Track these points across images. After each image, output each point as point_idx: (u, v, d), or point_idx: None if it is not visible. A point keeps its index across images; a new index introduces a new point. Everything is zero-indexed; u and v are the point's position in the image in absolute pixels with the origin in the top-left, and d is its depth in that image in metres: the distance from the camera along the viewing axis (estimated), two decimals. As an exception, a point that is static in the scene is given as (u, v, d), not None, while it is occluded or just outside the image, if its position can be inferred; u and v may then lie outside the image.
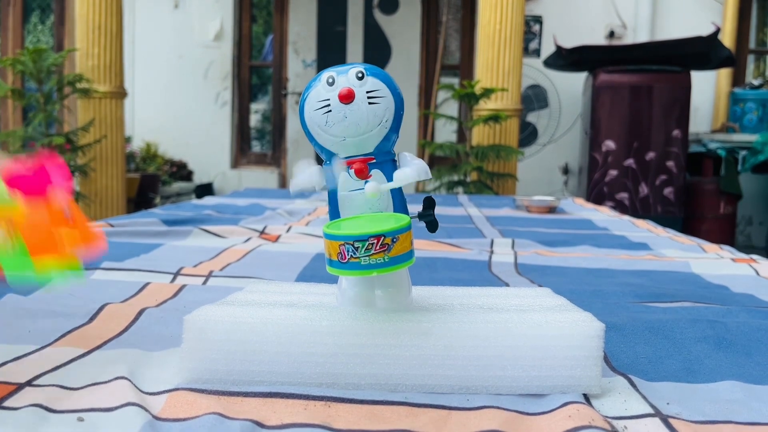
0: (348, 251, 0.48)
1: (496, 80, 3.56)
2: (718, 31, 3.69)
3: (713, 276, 1.05)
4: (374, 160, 0.53)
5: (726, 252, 1.28)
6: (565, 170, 4.80)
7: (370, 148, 0.53)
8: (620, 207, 3.83)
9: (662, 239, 1.48)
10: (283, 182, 5.02)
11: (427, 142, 3.84)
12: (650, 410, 0.49)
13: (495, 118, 3.47)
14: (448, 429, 0.45)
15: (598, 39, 4.66)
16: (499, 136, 3.63)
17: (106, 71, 3.61)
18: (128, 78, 4.50)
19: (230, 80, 4.99)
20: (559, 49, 3.92)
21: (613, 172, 3.88)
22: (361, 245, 0.48)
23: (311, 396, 0.49)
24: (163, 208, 1.82)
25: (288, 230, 1.42)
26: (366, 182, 0.53)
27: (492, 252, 1.24)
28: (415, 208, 0.54)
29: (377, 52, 4.96)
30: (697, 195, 4.03)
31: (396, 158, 0.55)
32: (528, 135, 4.78)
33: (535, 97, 4.76)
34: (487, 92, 3.48)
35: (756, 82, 4.53)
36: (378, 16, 4.97)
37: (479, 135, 3.66)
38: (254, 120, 5.31)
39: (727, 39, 4.48)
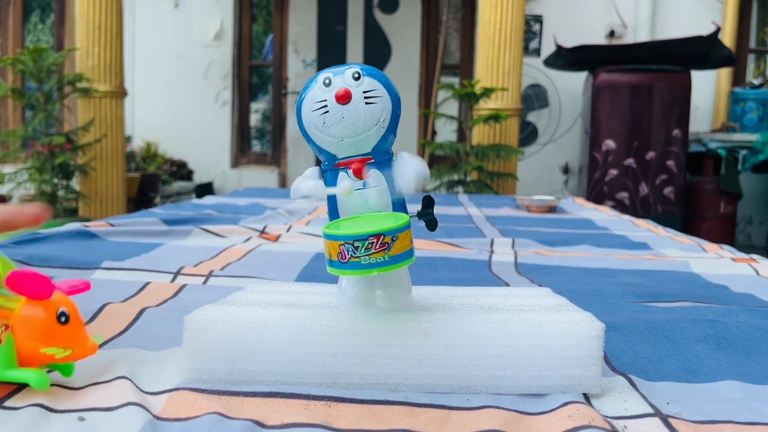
0: (348, 251, 0.48)
1: (496, 80, 3.56)
2: (718, 30, 3.69)
3: (713, 276, 1.05)
4: (372, 160, 0.53)
5: (726, 252, 1.28)
6: (565, 170, 4.80)
7: (367, 148, 0.53)
8: (620, 206, 3.83)
9: (662, 239, 1.48)
10: (283, 182, 5.02)
11: (427, 142, 3.84)
12: (650, 410, 0.49)
13: (495, 117, 3.47)
14: (448, 429, 0.45)
15: (599, 38, 4.66)
16: (500, 136, 3.63)
17: (107, 71, 3.61)
18: (128, 77, 4.50)
19: (230, 80, 4.99)
20: (559, 48, 3.92)
21: (614, 172, 3.88)
22: (360, 245, 0.48)
23: (312, 396, 0.49)
24: (163, 208, 1.82)
25: (288, 230, 1.42)
26: (365, 183, 0.53)
27: (492, 251, 1.24)
28: (415, 207, 0.54)
29: (377, 52, 4.96)
30: (698, 194, 4.03)
31: (394, 158, 0.55)
32: (528, 134, 4.78)
33: (535, 97, 4.76)
34: (487, 92, 3.48)
35: (756, 82, 4.53)
36: (378, 15, 4.97)
37: (479, 134, 3.66)
38: (254, 119, 5.31)
39: (728, 38, 4.48)
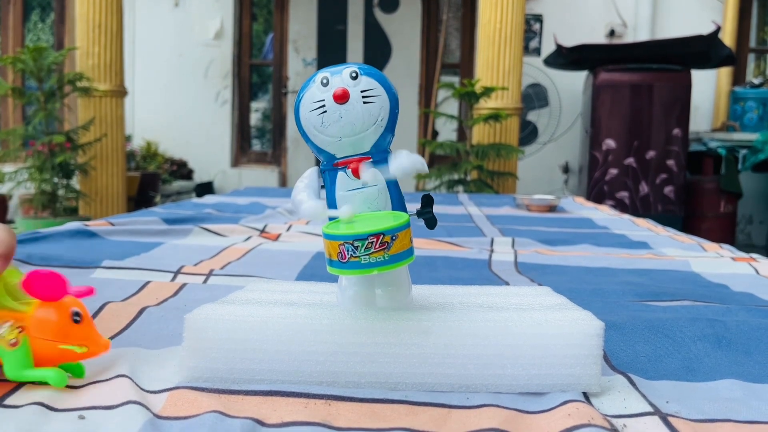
0: (348, 250, 0.48)
1: (496, 79, 3.56)
2: (718, 29, 3.69)
3: (713, 275, 1.05)
4: (371, 160, 0.53)
5: (726, 251, 1.28)
6: (566, 169, 4.80)
7: (366, 148, 0.53)
8: (620, 206, 3.83)
9: (662, 238, 1.48)
10: (284, 181, 5.02)
11: (427, 141, 3.84)
12: (650, 409, 0.49)
13: (495, 116, 3.47)
14: (447, 427, 0.45)
15: (599, 38, 4.66)
16: (500, 135, 3.63)
17: (107, 70, 3.61)
18: (128, 77, 4.50)
19: (230, 79, 4.99)
20: (559, 47, 3.92)
21: (614, 171, 3.88)
22: (360, 244, 0.48)
23: (311, 394, 0.49)
24: (164, 207, 1.82)
25: (288, 229, 1.42)
26: (364, 182, 0.53)
27: (492, 251, 1.24)
28: (414, 206, 0.54)
29: (377, 51, 4.96)
30: (698, 194, 4.03)
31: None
32: (528, 134, 4.78)
33: (535, 96, 4.76)
34: (488, 91, 3.48)
35: (756, 81, 4.52)
36: (378, 14, 4.97)
37: (479, 134, 3.66)
38: (254, 118, 5.31)
39: (728, 38, 4.48)
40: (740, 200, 4.23)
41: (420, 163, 0.53)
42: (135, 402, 0.46)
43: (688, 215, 4.00)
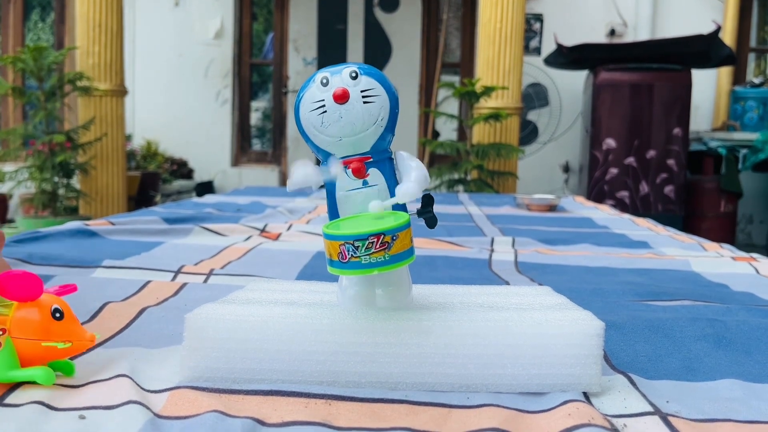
0: (348, 251, 0.48)
1: (496, 78, 3.56)
2: (718, 29, 3.69)
3: (713, 274, 1.05)
4: (371, 159, 0.53)
5: (726, 250, 1.28)
6: (566, 168, 4.80)
7: (366, 148, 0.53)
8: (621, 205, 3.83)
9: (662, 238, 1.48)
10: (284, 180, 5.02)
11: (427, 140, 3.84)
12: (650, 408, 0.49)
13: (495, 116, 3.47)
14: (448, 427, 0.45)
15: (599, 37, 4.66)
16: (500, 135, 3.63)
17: (107, 69, 3.61)
18: (129, 76, 4.49)
19: (231, 78, 4.99)
20: (559, 47, 3.92)
21: (614, 171, 3.88)
22: (361, 244, 0.48)
23: (312, 394, 0.49)
24: (164, 206, 1.82)
25: (288, 228, 1.42)
26: (364, 182, 0.53)
27: (492, 250, 1.24)
28: (414, 205, 0.54)
29: (378, 50, 4.96)
30: (698, 193, 4.03)
31: (393, 156, 0.55)
32: (528, 133, 4.78)
33: (535, 96, 4.75)
34: (488, 90, 3.48)
35: (757, 81, 4.52)
36: (378, 14, 4.97)
37: (480, 133, 3.66)
38: (255, 118, 5.31)
39: (728, 37, 4.48)
40: (740, 200, 4.23)
41: (425, 181, 0.53)
42: (135, 402, 0.46)
43: (688, 215, 4.00)
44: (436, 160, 4.75)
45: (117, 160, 3.71)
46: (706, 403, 0.51)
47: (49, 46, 3.57)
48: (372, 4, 4.95)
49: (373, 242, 0.48)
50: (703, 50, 3.77)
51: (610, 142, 3.88)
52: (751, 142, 4.12)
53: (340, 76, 0.52)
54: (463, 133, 4.51)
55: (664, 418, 0.47)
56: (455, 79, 5.00)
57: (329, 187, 0.54)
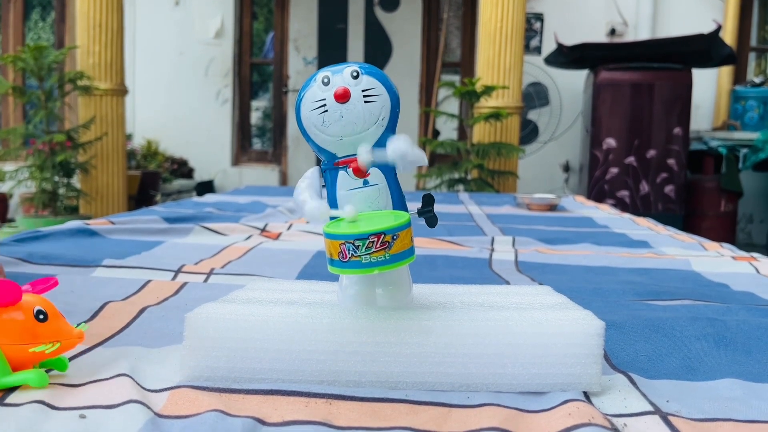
0: (349, 250, 0.48)
1: (497, 78, 3.56)
2: (719, 28, 3.69)
3: (713, 274, 1.05)
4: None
5: (726, 250, 1.28)
6: (566, 168, 4.80)
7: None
8: (621, 205, 3.83)
9: (663, 237, 1.48)
10: (284, 180, 5.02)
11: (428, 140, 3.84)
12: (650, 408, 0.49)
13: (496, 115, 3.47)
14: (448, 426, 0.45)
15: (600, 36, 4.65)
16: (500, 134, 3.63)
17: (107, 68, 3.61)
18: (129, 75, 4.49)
19: (231, 77, 4.99)
20: (560, 46, 3.92)
21: (614, 170, 3.88)
22: (361, 243, 0.48)
23: (312, 393, 0.49)
24: (164, 206, 1.82)
25: (289, 228, 1.42)
26: (365, 181, 0.53)
27: (492, 250, 1.24)
28: (415, 205, 0.55)
29: (378, 50, 4.96)
30: (698, 193, 4.02)
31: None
32: (529, 132, 4.78)
33: (536, 95, 4.75)
34: (488, 90, 3.48)
35: (757, 80, 4.52)
36: (379, 13, 4.97)
37: (480, 133, 3.66)
38: (255, 117, 5.31)
39: (729, 36, 4.47)
40: (741, 199, 4.23)
41: (419, 155, 0.52)
42: (136, 401, 0.46)
43: (688, 214, 4.00)
44: (436, 159, 4.75)
45: (117, 159, 3.71)
46: (706, 402, 0.51)
47: (50, 46, 3.57)
48: (372, 4, 4.95)
49: (373, 241, 0.48)
50: (703, 49, 3.77)
51: (610, 142, 3.87)
52: (751, 142, 4.12)
53: (341, 76, 0.52)
54: (463, 132, 4.51)
55: (665, 417, 0.47)
56: (455, 78, 5.00)
57: (330, 187, 0.54)
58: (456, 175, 3.71)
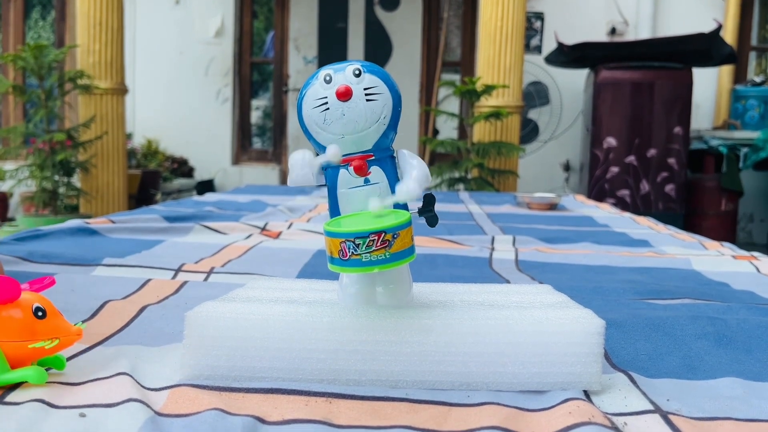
0: (349, 248, 0.48)
1: (497, 77, 3.56)
2: (719, 27, 3.69)
3: (714, 273, 1.05)
4: (373, 157, 0.53)
5: (727, 249, 1.28)
6: (566, 167, 4.79)
7: (368, 145, 0.53)
8: (621, 204, 3.82)
9: (663, 236, 1.48)
10: (284, 179, 5.02)
11: (428, 139, 3.84)
12: (650, 407, 0.49)
13: (496, 114, 3.47)
14: (448, 425, 0.45)
15: (600, 36, 4.65)
16: (500, 133, 3.63)
17: (107, 68, 3.61)
18: (129, 74, 4.49)
19: (231, 77, 4.99)
20: (560, 45, 3.92)
21: (615, 169, 3.88)
22: (362, 242, 0.48)
23: (312, 392, 0.49)
24: (164, 205, 1.82)
25: (289, 227, 1.42)
26: (366, 180, 0.53)
27: (493, 249, 1.24)
28: (415, 204, 0.54)
29: (378, 49, 4.96)
30: (699, 192, 4.02)
31: (395, 154, 0.54)
32: (529, 132, 4.78)
33: (536, 94, 4.75)
34: (489, 89, 3.47)
35: (758, 79, 4.52)
36: (379, 12, 4.96)
37: (480, 132, 3.66)
38: (255, 116, 5.31)
39: (729, 36, 4.47)
40: (741, 198, 4.23)
41: (426, 180, 0.52)
42: (136, 400, 0.46)
43: (689, 213, 4.00)
44: (436, 158, 4.75)
45: (117, 158, 3.71)
46: (706, 401, 0.51)
47: (50, 45, 3.57)
48: (372, 3, 4.94)
49: (374, 240, 0.48)
50: (704, 49, 3.77)
51: (610, 141, 3.87)
52: (751, 141, 4.12)
53: (343, 74, 0.52)
54: (463, 131, 4.51)
55: (665, 416, 0.47)
56: (456, 77, 5.00)
57: (330, 185, 0.54)
58: (456, 174, 3.71)
